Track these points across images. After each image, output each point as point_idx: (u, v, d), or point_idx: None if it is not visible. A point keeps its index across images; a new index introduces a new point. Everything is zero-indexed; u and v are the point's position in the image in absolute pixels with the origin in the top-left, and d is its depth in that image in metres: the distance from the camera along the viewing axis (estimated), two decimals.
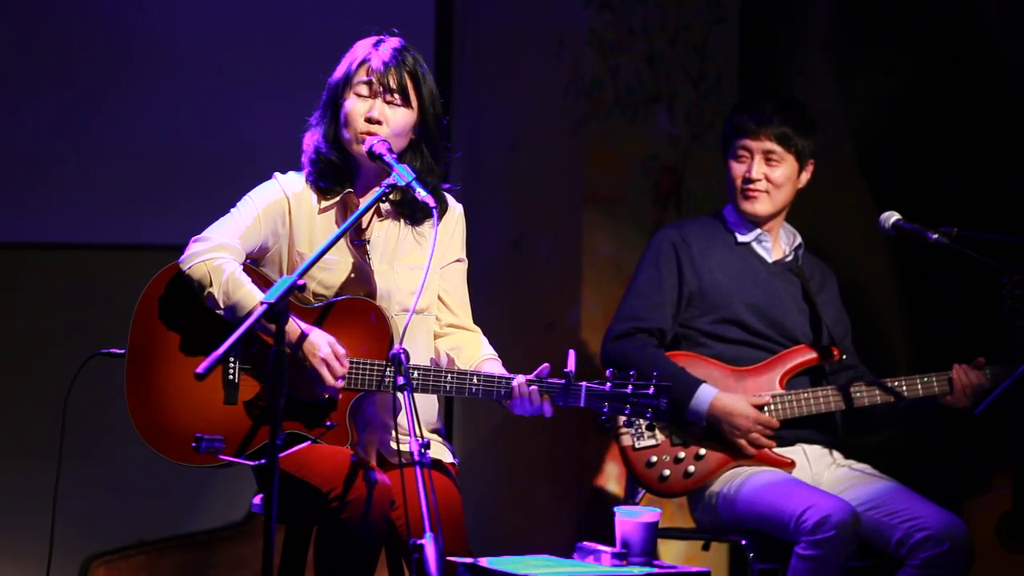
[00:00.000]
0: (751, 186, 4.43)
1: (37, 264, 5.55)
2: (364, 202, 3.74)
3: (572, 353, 3.63)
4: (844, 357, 4.45)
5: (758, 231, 4.50)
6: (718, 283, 4.43)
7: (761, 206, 4.44)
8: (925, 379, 4.37)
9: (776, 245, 4.52)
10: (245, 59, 5.54)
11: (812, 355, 4.42)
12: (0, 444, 5.44)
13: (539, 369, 3.65)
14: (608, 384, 3.66)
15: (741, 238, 4.50)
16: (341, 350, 3.59)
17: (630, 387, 3.66)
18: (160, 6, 5.52)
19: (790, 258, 4.52)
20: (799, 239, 4.54)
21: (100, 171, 5.46)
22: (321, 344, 3.57)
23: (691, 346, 4.42)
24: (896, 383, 4.38)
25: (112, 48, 5.49)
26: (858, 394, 4.37)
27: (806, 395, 4.35)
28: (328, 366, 3.57)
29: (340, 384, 3.60)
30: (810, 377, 4.43)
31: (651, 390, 3.67)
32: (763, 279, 4.47)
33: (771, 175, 4.43)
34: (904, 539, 4.17)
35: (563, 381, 3.63)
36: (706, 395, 4.28)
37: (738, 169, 4.45)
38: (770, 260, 4.51)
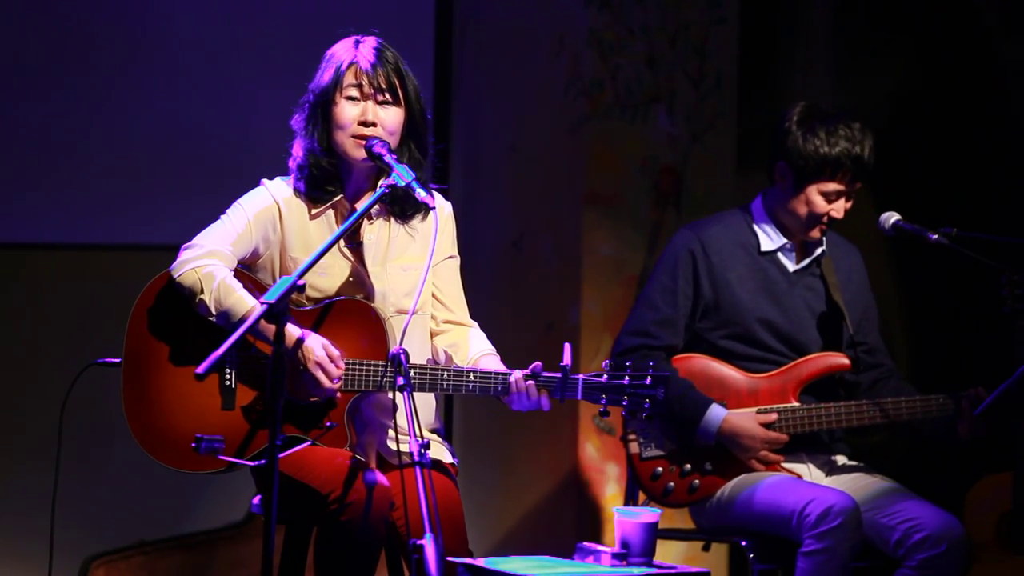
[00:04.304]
0: (828, 226, 4.37)
1: (36, 264, 5.56)
2: (357, 205, 3.75)
3: (567, 347, 3.63)
4: (860, 368, 4.41)
5: (784, 240, 4.42)
6: (734, 297, 4.36)
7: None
8: (941, 400, 4.35)
9: (800, 251, 4.46)
10: (244, 60, 5.54)
11: (827, 364, 4.38)
12: (0, 444, 5.44)
13: (532, 367, 3.65)
14: (605, 376, 3.66)
15: (765, 246, 4.41)
16: (335, 352, 3.58)
17: (627, 378, 3.66)
18: (159, 8, 5.52)
19: (812, 262, 4.45)
20: (824, 247, 4.45)
21: (99, 171, 5.46)
22: (315, 347, 3.56)
23: (702, 352, 4.39)
24: (910, 402, 4.35)
25: (111, 49, 5.50)
26: (870, 412, 4.33)
27: (816, 410, 4.32)
28: (323, 369, 3.57)
29: (337, 385, 3.59)
30: (820, 385, 4.40)
31: (648, 380, 3.66)
32: (782, 291, 4.41)
33: (845, 209, 4.38)
34: (902, 540, 4.17)
35: (560, 375, 3.63)
36: (716, 416, 4.25)
37: (823, 206, 4.31)
38: (792, 268, 4.42)
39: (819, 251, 4.45)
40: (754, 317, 4.36)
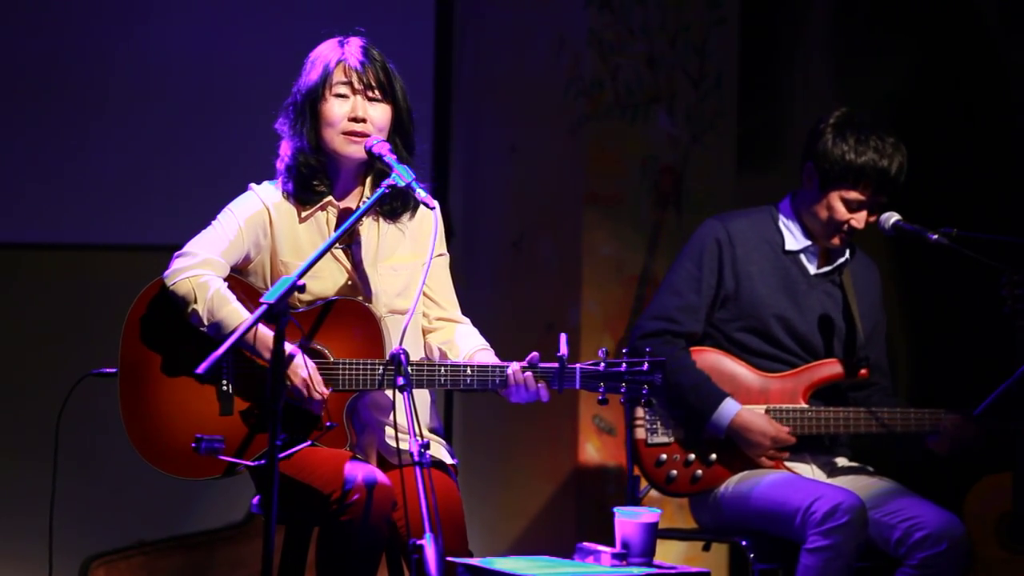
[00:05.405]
0: (848, 235, 4.34)
1: (35, 264, 5.56)
2: (348, 204, 3.75)
3: (563, 336, 3.63)
4: (869, 376, 4.41)
5: (809, 243, 4.41)
6: (754, 291, 4.36)
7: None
8: (942, 413, 4.34)
9: (823, 256, 4.44)
10: (244, 59, 5.54)
11: (839, 370, 4.38)
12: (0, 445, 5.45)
13: (529, 357, 3.65)
14: (602, 364, 3.66)
15: (789, 246, 4.40)
16: (319, 378, 3.59)
17: (624, 365, 3.66)
18: (161, 15, 5.53)
19: (833, 269, 4.45)
20: (847, 255, 4.44)
21: (98, 171, 5.47)
22: (302, 367, 3.57)
23: (716, 344, 4.39)
24: (918, 414, 4.35)
25: (111, 50, 5.50)
26: (877, 420, 4.33)
27: (825, 414, 4.31)
28: (308, 387, 3.57)
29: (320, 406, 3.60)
30: (827, 390, 4.40)
31: (645, 366, 3.66)
32: (802, 291, 4.40)
33: (867, 221, 4.34)
34: (903, 539, 4.17)
35: (556, 365, 3.63)
36: (729, 410, 4.25)
37: (843, 214, 4.29)
38: (813, 271, 4.42)
39: (842, 260, 4.44)
40: (771, 313, 4.37)
